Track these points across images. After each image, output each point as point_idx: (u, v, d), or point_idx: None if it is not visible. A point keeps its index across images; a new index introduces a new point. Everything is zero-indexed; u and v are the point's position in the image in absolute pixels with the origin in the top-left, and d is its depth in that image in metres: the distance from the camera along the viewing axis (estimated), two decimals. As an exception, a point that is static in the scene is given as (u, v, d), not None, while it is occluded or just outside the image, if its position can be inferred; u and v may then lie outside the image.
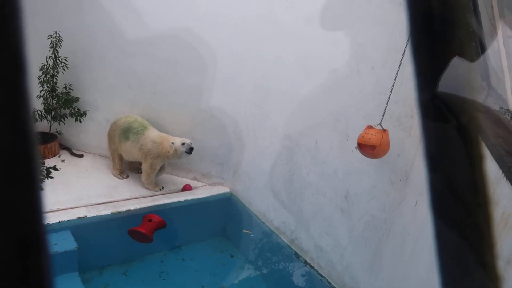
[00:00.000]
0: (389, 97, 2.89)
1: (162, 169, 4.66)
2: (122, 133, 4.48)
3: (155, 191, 4.57)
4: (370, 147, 2.78)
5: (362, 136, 2.84)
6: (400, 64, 2.78)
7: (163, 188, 4.66)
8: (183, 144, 4.28)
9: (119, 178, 4.70)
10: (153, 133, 4.45)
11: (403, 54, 2.75)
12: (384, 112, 2.91)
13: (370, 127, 2.90)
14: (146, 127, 4.48)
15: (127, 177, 4.75)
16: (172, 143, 4.29)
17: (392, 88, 2.85)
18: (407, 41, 2.72)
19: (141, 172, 4.87)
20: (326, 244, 3.81)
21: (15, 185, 0.25)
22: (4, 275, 0.25)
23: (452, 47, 0.37)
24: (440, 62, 0.37)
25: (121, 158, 4.68)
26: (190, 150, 4.30)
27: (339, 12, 3.53)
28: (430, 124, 0.40)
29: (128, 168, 4.90)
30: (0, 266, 0.25)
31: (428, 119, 0.40)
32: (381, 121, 2.90)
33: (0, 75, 0.24)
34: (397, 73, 2.81)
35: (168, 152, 4.31)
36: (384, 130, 2.86)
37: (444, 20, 0.36)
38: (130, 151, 4.48)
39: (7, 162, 0.24)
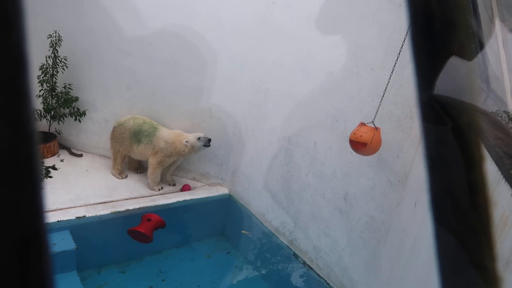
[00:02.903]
0: (382, 96, 2.89)
1: (172, 165, 4.70)
2: (132, 136, 4.49)
3: (154, 190, 4.58)
4: (362, 144, 2.80)
5: (354, 133, 2.85)
6: (395, 64, 2.78)
7: (162, 188, 4.67)
8: (199, 138, 4.31)
9: (118, 178, 4.70)
10: (164, 133, 4.48)
11: (399, 54, 2.75)
12: (377, 111, 2.92)
13: (363, 124, 2.91)
14: (156, 128, 4.51)
15: (126, 177, 4.76)
16: (186, 142, 4.31)
17: (386, 87, 2.86)
18: (403, 41, 2.72)
19: (140, 172, 4.88)
20: (324, 245, 3.82)
21: (16, 184, 0.25)
22: (4, 275, 0.25)
23: (452, 48, 0.37)
24: (440, 63, 0.37)
25: (123, 158, 4.68)
26: (208, 142, 4.35)
27: (338, 13, 3.53)
28: (430, 126, 0.40)
29: (127, 168, 4.90)
30: (1, 265, 0.25)
31: (428, 121, 0.40)
32: (374, 119, 2.92)
33: (2, 74, 0.24)
34: (391, 72, 2.81)
35: (184, 151, 4.35)
36: (377, 128, 2.87)
37: (445, 21, 0.36)
38: (144, 153, 4.52)
39: (8, 161, 0.24)
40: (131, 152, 4.59)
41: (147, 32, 4.44)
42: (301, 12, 3.84)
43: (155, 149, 4.41)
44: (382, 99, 2.90)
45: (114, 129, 4.62)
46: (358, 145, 2.83)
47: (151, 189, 4.60)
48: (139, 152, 4.52)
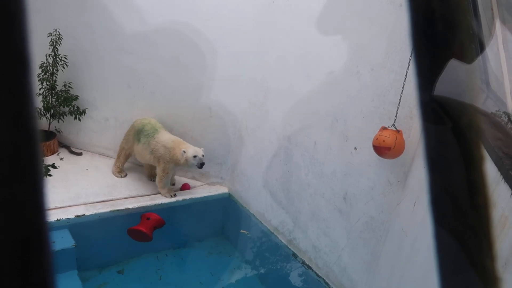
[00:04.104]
0: (400, 99, 2.88)
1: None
2: (135, 134, 4.46)
3: (166, 196, 4.48)
4: (385, 149, 2.81)
5: (377, 138, 2.86)
6: (408, 67, 2.77)
7: (175, 195, 4.55)
8: (194, 156, 4.13)
9: (117, 176, 4.69)
10: (164, 137, 4.36)
11: (410, 56, 2.73)
12: (396, 114, 2.92)
13: (384, 128, 2.92)
14: (157, 130, 4.41)
15: (125, 176, 4.74)
16: (184, 152, 4.16)
17: (402, 90, 2.84)
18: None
19: (153, 180, 4.76)
20: (324, 245, 3.82)
21: (18, 182, 0.25)
22: (6, 272, 0.25)
23: (453, 49, 0.37)
24: (440, 63, 0.38)
25: (126, 157, 4.66)
26: (201, 166, 4.16)
27: (338, 13, 3.53)
28: (430, 126, 0.40)
29: (145, 175, 4.84)
30: (2, 263, 0.25)
31: (428, 121, 0.40)
32: (394, 122, 2.92)
33: (4, 72, 0.24)
34: (405, 75, 2.79)
35: (179, 160, 4.21)
36: (398, 131, 2.88)
37: (445, 21, 0.37)
38: (141, 153, 4.44)
39: (10, 159, 0.24)
40: (133, 151, 4.57)
41: (148, 31, 4.43)
42: (302, 11, 3.84)
43: (155, 155, 4.31)
44: (399, 101, 2.87)
45: (128, 129, 4.62)
46: (382, 149, 2.83)
47: (164, 196, 4.49)
48: (137, 151, 4.48)
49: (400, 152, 2.87)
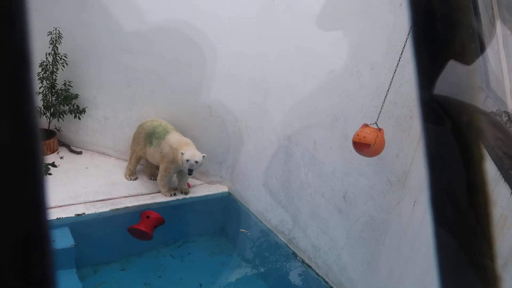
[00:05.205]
0: (385, 97, 2.87)
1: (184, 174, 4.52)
2: (146, 137, 4.43)
3: (166, 195, 4.48)
4: (365, 146, 2.77)
5: (357, 134, 2.81)
6: (398, 64, 2.77)
7: (175, 194, 4.54)
8: (187, 160, 4.08)
9: (127, 179, 4.66)
10: (173, 138, 4.32)
11: (401, 54, 2.74)
12: (380, 111, 2.90)
13: (366, 125, 2.88)
14: (168, 131, 4.38)
15: (136, 179, 4.71)
16: (182, 154, 4.12)
17: (388, 88, 2.84)
18: (405, 42, 2.72)
19: (153, 179, 4.77)
20: (323, 244, 3.82)
21: (19, 181, 0.25)
22: (6, 270, 0.25)
23: (453, 48, 0.37)
24: (440, 63, 0.38)
25: (137, 160, 4.63)
26: (189, 171, 4.11)
27: (339, 12, 3.53)
28: (430, 126, 0.40)
29: (144, 173, 4.83)
30: (3, 261, 0.25)
31: (428, 121, 0.40)
32: (377, 120, 2.90)
33: (5, 70, 0.24)
34: (394, 73, 2.80)
35: (179, 160, 4.18)
36: (380, 129, 2.85)
37: (446, 20, 0.37)
38: (153, 155, 4.41)
39: (12, 156, 0.24)
40: (145, 154, 4.53)
41: (148, 30, 4.43)
42: (302, 11, 3.84)
43: (162, 154, 4.30)
44: (385, 99, 2.87)
45: (136, 130, 4.60)
46: (361, 146, 2.78)
47: (163, 195, 4.48)
48: (150, 154, 4.45)
49: (379, 151, 2.81)
